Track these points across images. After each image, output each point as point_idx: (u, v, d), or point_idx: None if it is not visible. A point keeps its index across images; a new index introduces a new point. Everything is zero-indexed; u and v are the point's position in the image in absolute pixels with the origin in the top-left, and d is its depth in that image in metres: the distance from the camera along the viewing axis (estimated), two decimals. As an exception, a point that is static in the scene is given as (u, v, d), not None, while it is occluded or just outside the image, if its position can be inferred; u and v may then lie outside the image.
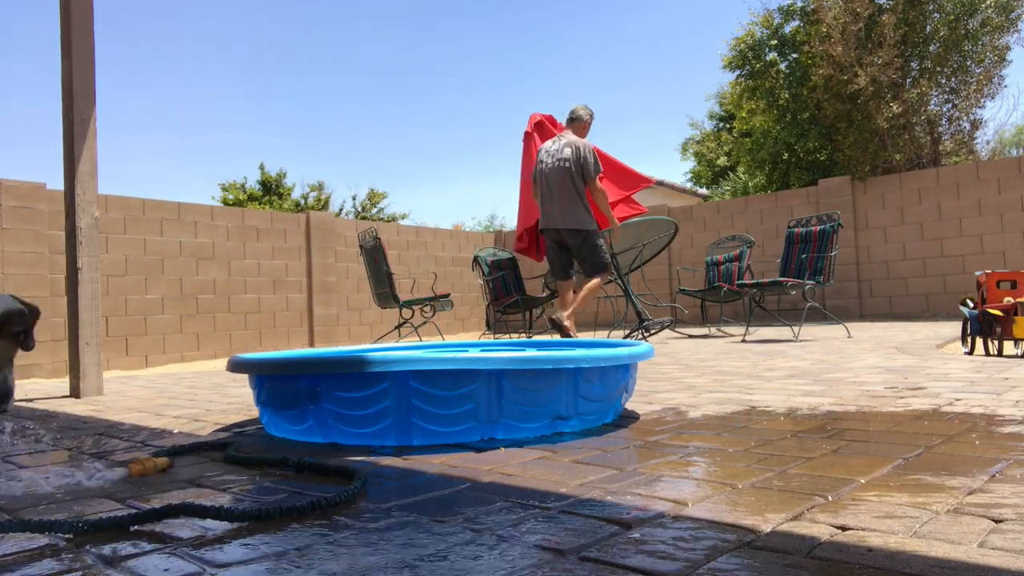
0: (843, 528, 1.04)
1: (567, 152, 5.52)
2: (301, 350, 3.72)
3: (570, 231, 5.48)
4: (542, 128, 6.86)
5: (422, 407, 1.81)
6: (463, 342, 3.69)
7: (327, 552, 1.03)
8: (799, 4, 12.72)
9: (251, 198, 17.07)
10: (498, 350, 2.98)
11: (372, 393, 1.82)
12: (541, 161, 5.69)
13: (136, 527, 1.17)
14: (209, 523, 1.19)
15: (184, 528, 1.17)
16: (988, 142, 14.11)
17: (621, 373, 2.12)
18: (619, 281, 6.81)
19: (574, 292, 5.61)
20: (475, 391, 1.83)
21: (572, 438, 1.87)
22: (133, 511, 1.23)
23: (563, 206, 5.48)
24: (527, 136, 6.90)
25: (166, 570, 0.98)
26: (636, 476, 1.41)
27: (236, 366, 2.14)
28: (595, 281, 5.52)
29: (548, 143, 5.79)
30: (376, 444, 1.86)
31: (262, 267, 9.34)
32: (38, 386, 4.72)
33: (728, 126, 17.50)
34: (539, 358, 1.93)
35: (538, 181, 5.67)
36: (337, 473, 1.51)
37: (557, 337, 5.38)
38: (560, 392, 1.93)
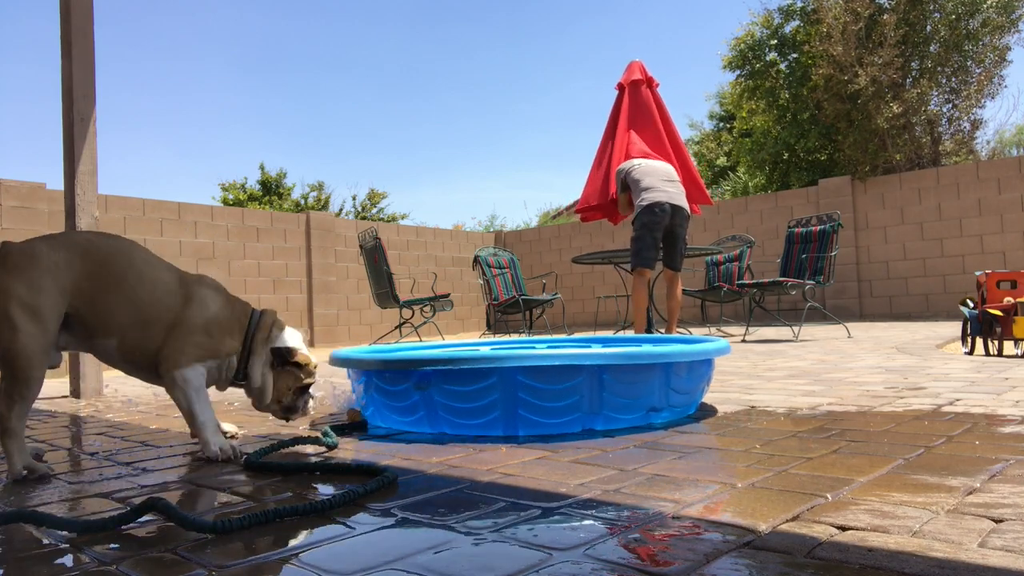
0: (843, 528, 1.04)
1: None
2: (398, 345, 3.75)
3: (686, 217, 5.49)
4: (635, 87, 6.61)
5: (529, 400, 1.89)
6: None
7: (324, 552, 1.03)
8: (799, 4, 12.72)
9: (251, 198, 17.08)
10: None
11: (481, 387, 1.90)
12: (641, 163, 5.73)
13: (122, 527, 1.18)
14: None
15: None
16: (988, 142, 14.10)
17: (705, 368, 2.24)
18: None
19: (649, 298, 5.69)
20: (579, 385, 1.91)
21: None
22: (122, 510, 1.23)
23: (681, 192, 5.54)
24: (620, 87, 6.71)
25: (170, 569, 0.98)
26: (636, 476, 1.41)
27: (340, 362, 2.21)
28: (680, 289, 5.60)
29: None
30: (483, 434, 1.95)
31: (262, 267, 9.35)
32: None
33: (728, 126, 17.48)
34: (640, 353, 2.03)
35: (647, 172, 5.56)
36: (365, 472, 1.53)
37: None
38: (654, 385, 2.03)
